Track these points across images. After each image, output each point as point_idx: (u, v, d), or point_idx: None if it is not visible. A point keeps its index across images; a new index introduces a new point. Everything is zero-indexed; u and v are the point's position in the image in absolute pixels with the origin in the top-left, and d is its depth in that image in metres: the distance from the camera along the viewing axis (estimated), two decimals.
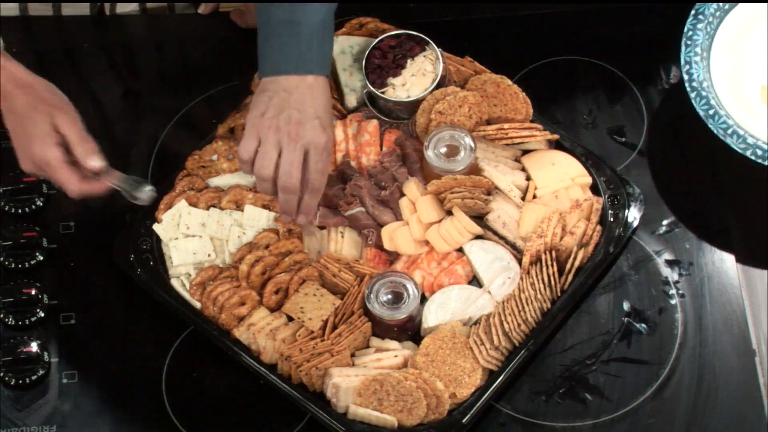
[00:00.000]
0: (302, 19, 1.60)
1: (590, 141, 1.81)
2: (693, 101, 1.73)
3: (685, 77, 1.75)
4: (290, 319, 1.70)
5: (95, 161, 1.60)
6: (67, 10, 1.97)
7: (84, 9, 1.97)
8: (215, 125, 1.83)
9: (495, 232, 1.74)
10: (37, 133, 1.57)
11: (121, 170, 1.87)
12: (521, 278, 1.71)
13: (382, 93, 1.79)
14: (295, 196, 1.63)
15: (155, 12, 1.98)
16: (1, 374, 1.71)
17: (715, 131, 1.72)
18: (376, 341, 1.70)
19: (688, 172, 1.83)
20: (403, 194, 1.77)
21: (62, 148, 1.58)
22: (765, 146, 1.70)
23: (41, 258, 1.79)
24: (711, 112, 1.72)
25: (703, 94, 1.73)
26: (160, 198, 1.77)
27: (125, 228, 1.77)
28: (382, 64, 1.80)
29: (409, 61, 1.81)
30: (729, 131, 1.71)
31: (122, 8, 1.97)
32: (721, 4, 1.79)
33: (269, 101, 1.61)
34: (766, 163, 1.70)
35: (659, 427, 1.67)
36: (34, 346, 1.72)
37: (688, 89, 1.74)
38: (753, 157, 1.70)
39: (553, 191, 1.76)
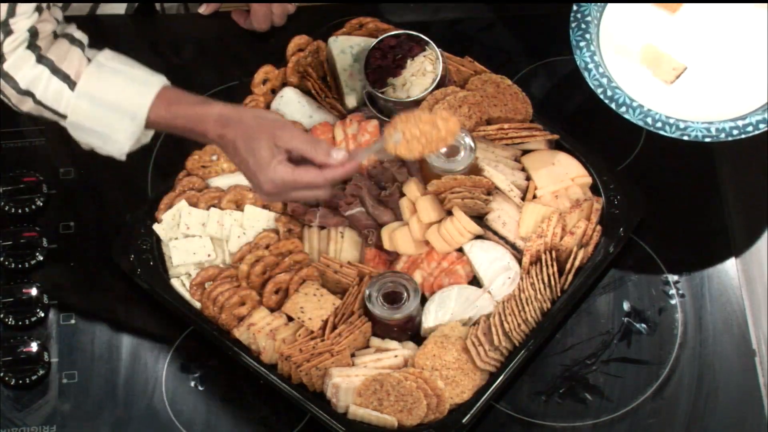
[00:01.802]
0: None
1: (590, 141, 1.81)
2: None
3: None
4: (290, 319, 1.70)
5: (338, 154, 1.57)
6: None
7: (84, 9, 1.97)
8: None
9: (495, 232, 1.74)
10: (262, 161, 1.54)
11: (121, 170, 1.87)
12: (521, 278, 1.71)
13: (382, 93, 1.79)
14: None
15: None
16: (1, 374, 1.71)
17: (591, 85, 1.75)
18: (376, 341, 1.70)
19: (687, 172, 1.83)
20: (403, 194, 1.77)
21: (290, 165, 1.54)
22: (624, 96, 1.72)
23: (41, 258, 1.79)
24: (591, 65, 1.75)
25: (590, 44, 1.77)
26: (160, 198, 1.78)
27: (125, 228, 1.77)
28: (382, 64, 1.80)
29: (409, 61, 1.81)
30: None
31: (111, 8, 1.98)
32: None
33: None
34: (634, 119, 1.72)
35: (659, 427, 1.67)
36: (34, 346, 1.72)
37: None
38: (615, 108, 1.72)
39: (553, 191, 1.76)
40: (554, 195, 1.76)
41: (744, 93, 1.76)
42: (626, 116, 1.72)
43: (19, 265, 1.78)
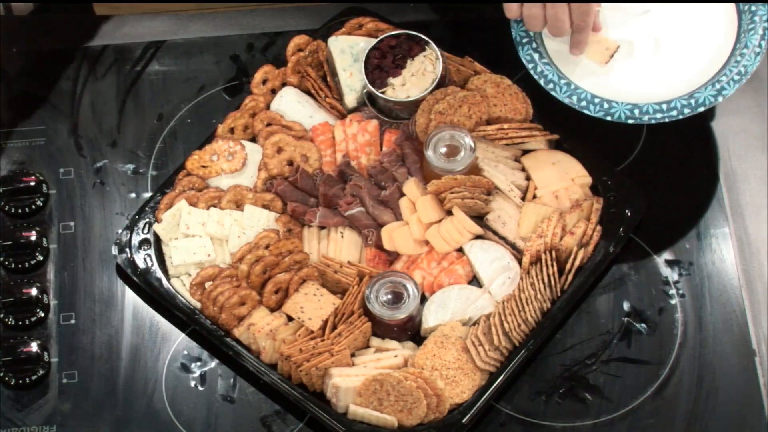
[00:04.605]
0: None
1: (590, 141, 1.81)
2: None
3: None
4: (290, 319, 1.70)
5: None
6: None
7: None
8: (215, 125, 1.83)
9: (495, 232, 1.74)
10: None
11: (121, 170, 1.87)
12: (521, 278, 1.71)
13: (382, 93, 1.79)
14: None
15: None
16: (1, 374, 1.71)
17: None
18: (376, 341, 1.70)
19: (688, 172, 1.83)
20: (403, 194, 1.77)
21: None
22: (555, 76, 1.71)
23: (41, 258, 1.79)
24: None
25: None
26: (160, 198, 1.78)
27: (125, 228, 1.77)
28: (382, 64, 1.80)
29: (408, 61, 1.81)
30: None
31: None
32: None
33: None
34: (566, 100, 1.71)
35: (659, 427, 1.67)
36: (34, 346, 1.72)
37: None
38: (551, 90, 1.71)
39: (553, 191, 1.76)
40: (554, 195, 1.76)
41: (675, 77, 1.73)
42: (553, 93, 1.71)
43: (19, 265, 1.78)
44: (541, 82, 1.72)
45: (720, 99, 1.68)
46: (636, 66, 1.75)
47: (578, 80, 1.73)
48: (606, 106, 1.70)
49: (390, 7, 1.93)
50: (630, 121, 1.69)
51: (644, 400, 1.69)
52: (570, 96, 1.71)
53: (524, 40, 1.74)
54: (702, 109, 1.68)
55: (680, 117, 1.69)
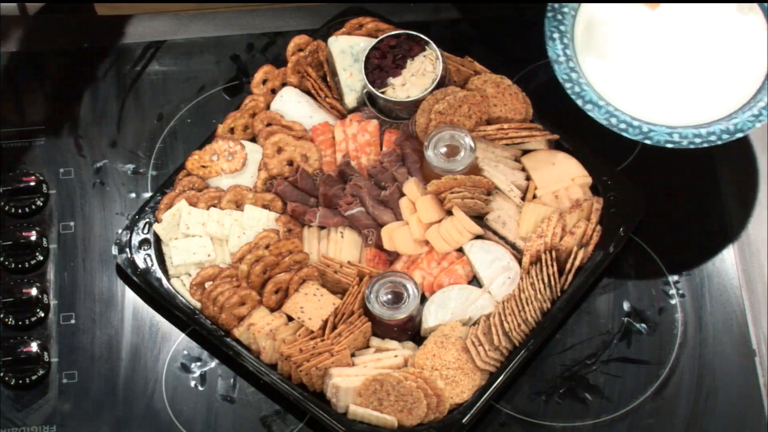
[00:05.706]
0: None
1: (590, 141, 1.81)
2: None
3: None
4: (290, 319, 1.70)
5: None
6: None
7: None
8: (215, 125, 1.83)
9: (495, 232, 1.74)
10: None
11: (121, 170, 1.87)
12: (521, 278, 1.71)
13: (382, 93, 1.79)
14: None
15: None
16: (1, 374, 1.71)
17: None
18: (376, 341, 1.70)
19: (688, 172, 1.83)
20: (403, 194, 1.77)
21: None
22: (592, 95, 1.71)
23: (41, 258, 1.79)
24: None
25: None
26: (160, 198, 1.78)
27: (125, 228, 1.77)
28: (382, 64, 1.80)
29: (408, 61, 1.81)
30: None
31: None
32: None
33: None
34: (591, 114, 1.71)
35: (659, 427, 1.68)
36: (34, 346, 1.72)
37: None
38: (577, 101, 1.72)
39: (553, 191, 1.76)
40: (554, 195, 1.76)
41: (713, 100, 1.73)
42: (591, 114, 1.71)
43: (19, 265, 1.78)
44: (579, 102, 1.71)
45: (758, 125, 1.68)
46: (673, 86, 1.75)
47: (614, 100, 1.73)
48: (645, 129, 1.69)
49: (390, 7, 1.93)
50: (669, 146, 1.69)
51: (644, 400, 1.69)
52: (609, 118, 1.71)
53: (561, 59, 1.74)
54: (740, 135, 1.68)
55: (719, 143, 1.69)
